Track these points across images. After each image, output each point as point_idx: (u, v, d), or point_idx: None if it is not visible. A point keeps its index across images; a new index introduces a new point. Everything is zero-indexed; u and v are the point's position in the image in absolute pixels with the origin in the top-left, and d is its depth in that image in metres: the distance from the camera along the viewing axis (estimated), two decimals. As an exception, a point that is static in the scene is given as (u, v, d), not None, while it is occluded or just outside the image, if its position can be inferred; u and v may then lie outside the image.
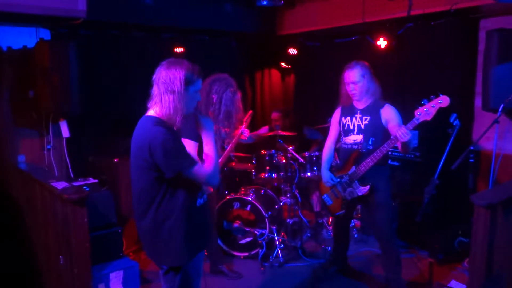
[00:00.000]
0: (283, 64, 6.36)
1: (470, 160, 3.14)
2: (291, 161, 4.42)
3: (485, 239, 2.48)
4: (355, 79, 3.25)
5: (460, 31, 4.20)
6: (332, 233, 3.77)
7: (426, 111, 2.89)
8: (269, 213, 4.14)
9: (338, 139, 3.54)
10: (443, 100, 2.85)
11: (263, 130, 5.25)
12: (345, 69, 3.33)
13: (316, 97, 5.88)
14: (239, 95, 3.07)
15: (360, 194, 3.28)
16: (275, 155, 4.39)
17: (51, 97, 3.70)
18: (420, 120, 2.91)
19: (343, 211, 3.41)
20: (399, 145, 3.07)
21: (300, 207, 4.67)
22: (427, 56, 4.46)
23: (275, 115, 5.15)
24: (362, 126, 3.29)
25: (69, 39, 4.11)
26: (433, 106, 2.87)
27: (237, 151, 5.20)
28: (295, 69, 6.33)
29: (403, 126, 2.99)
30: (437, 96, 2.89)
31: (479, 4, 3.60)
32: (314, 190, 4.98)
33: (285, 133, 4.63)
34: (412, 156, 4.27)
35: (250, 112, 3.87)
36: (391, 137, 3.04)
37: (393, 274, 3.35)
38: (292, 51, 5.90)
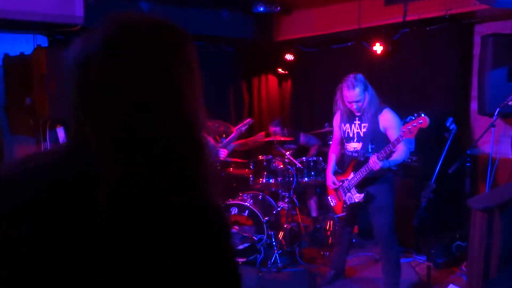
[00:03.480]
0: (280, 70, 6.39)
1: (467, 164, 3.15)
2: (289, 166, 4.42)
3: (482, 242, 2.49)
4: (357, 98, 3.17)
5: (456, 36, 4.23)
6: (334, 237, 3.78)
7: (409, 130, 2.92)
8: (267, 218, 4.14)
9: (343, 143, 3.54)
10: (423, 121, 2.88)
11: (260, 136, 5.26)
12: (344, 87, 3.19)
13: (313, 102, 5.91)
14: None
15: (356, 201, 3.31)
16: (273, 160, 4.39)
17: (48, 103, 3.71)
18: (404, 137, 2.95)
19: (344, 213, 3.47)
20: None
21: (298, 212, 4.67)
22: (423, 61, 4.49)
23: (275, 129, 5.12)
24: (361, 134, 3.28)
25: (67, 45, 4.12)
26: (414, 125, 2.90)
27: (234, 157, 5.20)
28: (292, 74, 6.35)
29: (375, 155, 3.05)
30: (418, 115, 2.91)
31: (474, 10, 3.64)
32: (311, 195, 4.98)
33: (282, 139, 4.64)
34: (409, 160, 4.29)
35: (248, 120, 3.78)
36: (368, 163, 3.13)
37: (391, 279, 3.35)
38: (289, 56, 5.93)
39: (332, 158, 3.59)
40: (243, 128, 3.69)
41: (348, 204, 3.38)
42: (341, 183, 3.43)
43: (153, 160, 0.72)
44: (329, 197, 3.61)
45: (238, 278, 0.80)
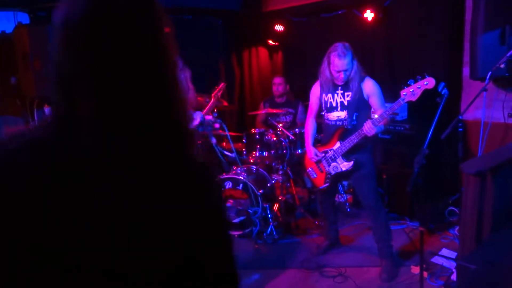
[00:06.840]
0: (270, 41, 6.28)
1: (459, 129, 3.14)
2: (282, 139, 4.40)
3: (475, 206, 2.51)
4: (347, 67, 3.17)
5: (447, 0, 4.16)
6: (319, 210, 3.81)
7: (411, 92, 2.93)
8: (262, 191, 4.15)
9: (319, 114, 3.52)
10: (429, 82, 2.89)
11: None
12: (335, 56, 3.14)
13: (305, 73, 5.83)
14: (187, 74, 3.04)
15: (344, 169, 3.31)
16: (265, 133, 4.37)
17: (34, 83, 3.63)
18: (406, 100, 2.95)
19: (327, 184, 3.44)
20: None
21: (293, 184, 4.69)
22: (415, 27, 4.43)
23: (278, 80, 5.13)
24: (345, 103, 3.28)
25: (49, 22, 4.00)
26: (418, 88, 2.90)
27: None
28: (283, 45, 6.25)
29: (369, 120, 3.06)
30: (423, 77, 2.91)
31: (466, -28, 3.56)
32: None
33: (275, 111, 4.62)
34: (402, 128, 4.28)
35: (222, 84, 3.79)
36: (360, 129, 3.12)
37: (384, 242, 3.39)
38: (279, 27, 5.82)
39: (310, 130, 3.56)
40: (219, 94, 3.73)
41: (332, 174, 3.38)
42: (323, 154, 3.41)
43: (142, 115, 0.74)
44: (308, 170, 3.55)
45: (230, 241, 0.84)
